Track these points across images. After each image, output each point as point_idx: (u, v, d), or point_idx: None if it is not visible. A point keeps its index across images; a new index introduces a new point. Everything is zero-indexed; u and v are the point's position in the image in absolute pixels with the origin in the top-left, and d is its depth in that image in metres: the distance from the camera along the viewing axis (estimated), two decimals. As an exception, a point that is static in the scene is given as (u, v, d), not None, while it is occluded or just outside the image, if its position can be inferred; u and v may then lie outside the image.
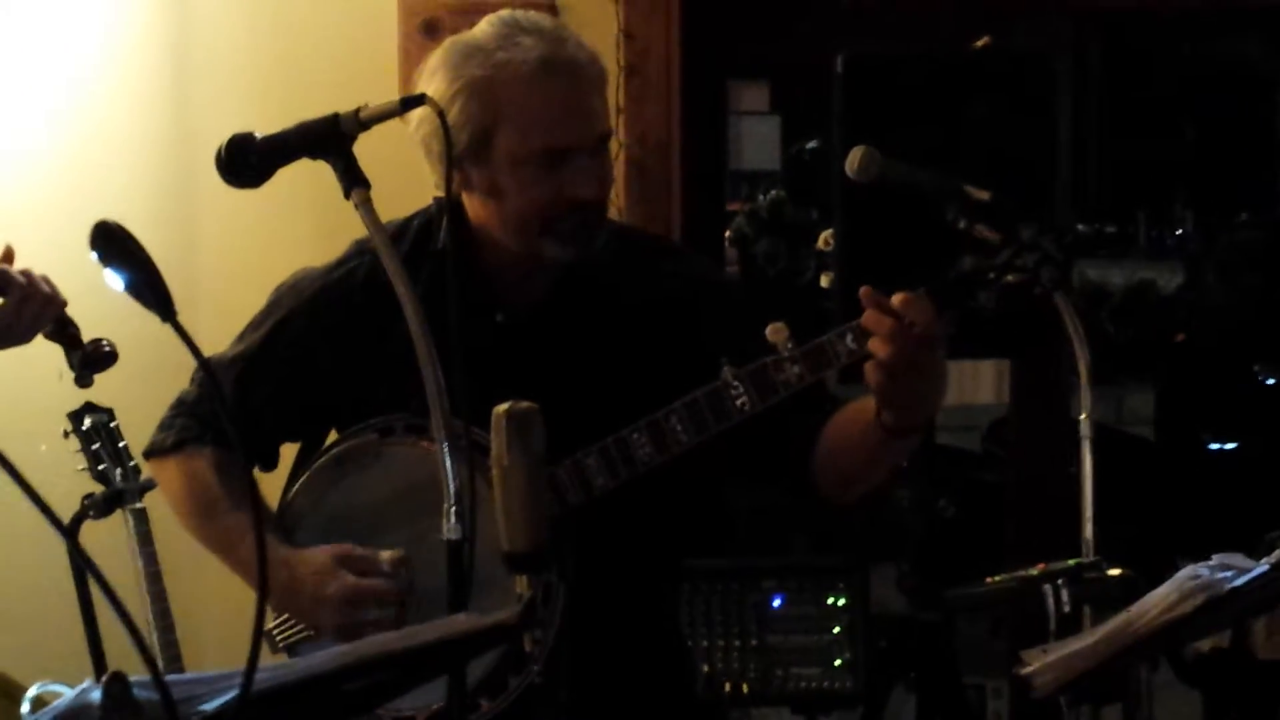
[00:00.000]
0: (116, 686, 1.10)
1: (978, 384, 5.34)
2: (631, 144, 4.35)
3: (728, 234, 4.94)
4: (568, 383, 2.67)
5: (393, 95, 2.64)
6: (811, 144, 4.74)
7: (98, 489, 3.68)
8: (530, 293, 2.78)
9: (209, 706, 1.11)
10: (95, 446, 3.72)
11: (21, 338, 2.92)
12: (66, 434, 3.63)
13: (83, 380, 3.05)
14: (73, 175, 4.13)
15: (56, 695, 1.18)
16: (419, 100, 2.34)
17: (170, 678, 1.13)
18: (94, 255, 1.33)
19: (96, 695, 1.09)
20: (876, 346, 2.44)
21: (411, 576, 2.61)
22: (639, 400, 2.64)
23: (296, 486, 2.80)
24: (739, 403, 2.59)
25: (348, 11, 4.27)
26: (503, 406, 2.20)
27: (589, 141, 2.69)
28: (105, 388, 3.71)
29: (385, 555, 2.64)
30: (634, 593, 2.82)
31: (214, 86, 4.23)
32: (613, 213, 4.27)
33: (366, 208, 2.26)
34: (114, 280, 1.33)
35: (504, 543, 2.21)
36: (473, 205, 2.74)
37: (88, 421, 3.73)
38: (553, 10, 4.30)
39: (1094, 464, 3.09)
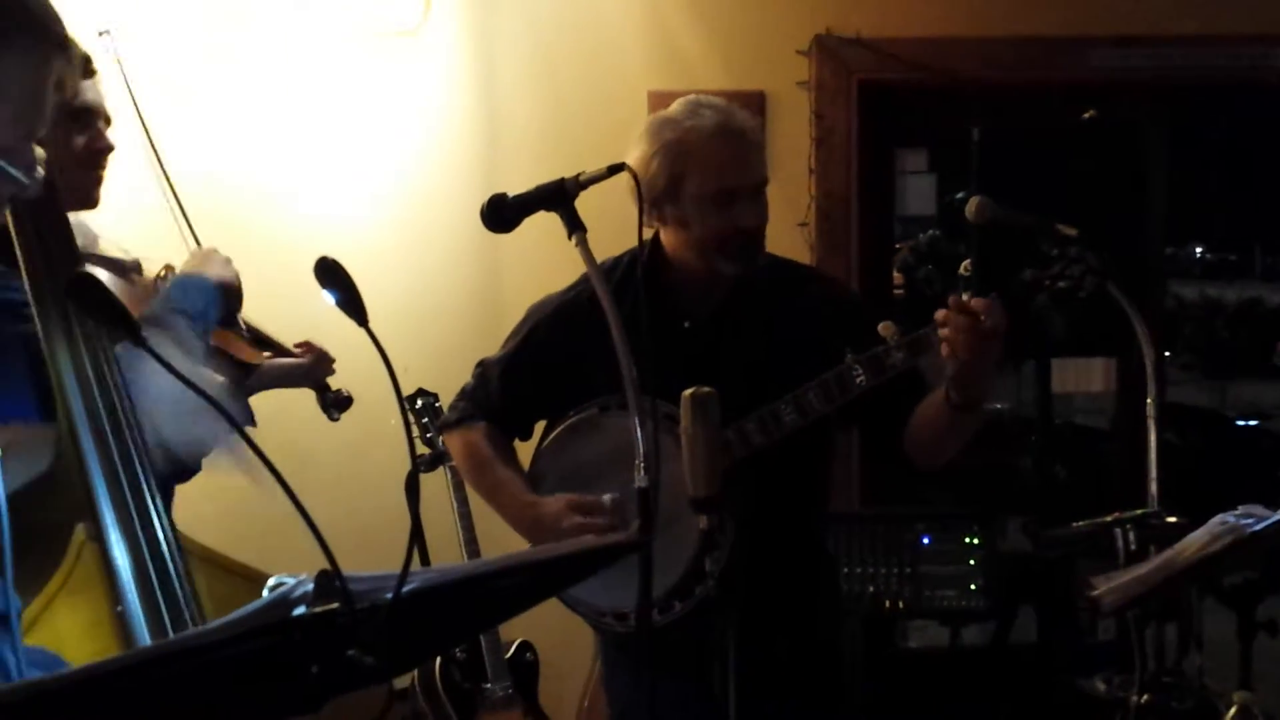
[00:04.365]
0: (325, 578, 1.14)
1: (1090, 377, 5.18)
2: (820, 197, 4.30)
3: (895, 265, 4.90)
4: (736, 370, 2.67)
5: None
6: (960, 195, 4.67)
7: (427, 451, 3.82)
8: (709, 305, 2.79)
9: (390, 596, 1.16)
10: (425, 420, 3.85)
11: (304, 385, 2.99)
12: (404, 411, 3.77)
13: (331, 417, 3.07)
14: (409, 229, 4.23)
15: (289, 585, 1.24)
16: (621, 167, 2.34)
17: (363, 573, 1.17)
18: (317, 281, 1.34)
19: (311, 585, 1.14)
20: (949, 335, 2.45)
21: (627, 513, 2.62)
22: (786, 381, 2.65)
23: (543, 447, 2.86)
24: (858, 380, 2.61)
25: (611, 102, 4.30)
26: (689, 391, 2.22)
27: (751, 185, 2.70)
28: (431, 377, 3.85)
29: (606, 498, 2.68)
30: (786, 523, 2.82)
31: (514, 158, 4.27)
32: (805, 249, 4.29)
33: (584, 246, 2.27)
34: (328, 298, 1.35)
35: (690, 490, 2.22)
36: (667, 236, 2.77)
37: (419, 403, 3.85)
38: (762, 100, 4.30)
39: (1158, 437, 3.01)
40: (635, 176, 2.39)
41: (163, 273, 2.62)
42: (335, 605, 1.11)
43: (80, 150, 2.39)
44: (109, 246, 2.56)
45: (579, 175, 2.33)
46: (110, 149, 2.45)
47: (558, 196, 2.31)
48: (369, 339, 1.40)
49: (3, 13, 1.44)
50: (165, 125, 2.89)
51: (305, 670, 1.12)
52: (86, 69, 2.36)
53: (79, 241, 2.35)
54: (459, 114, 4.31)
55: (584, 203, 2.35)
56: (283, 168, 4.00)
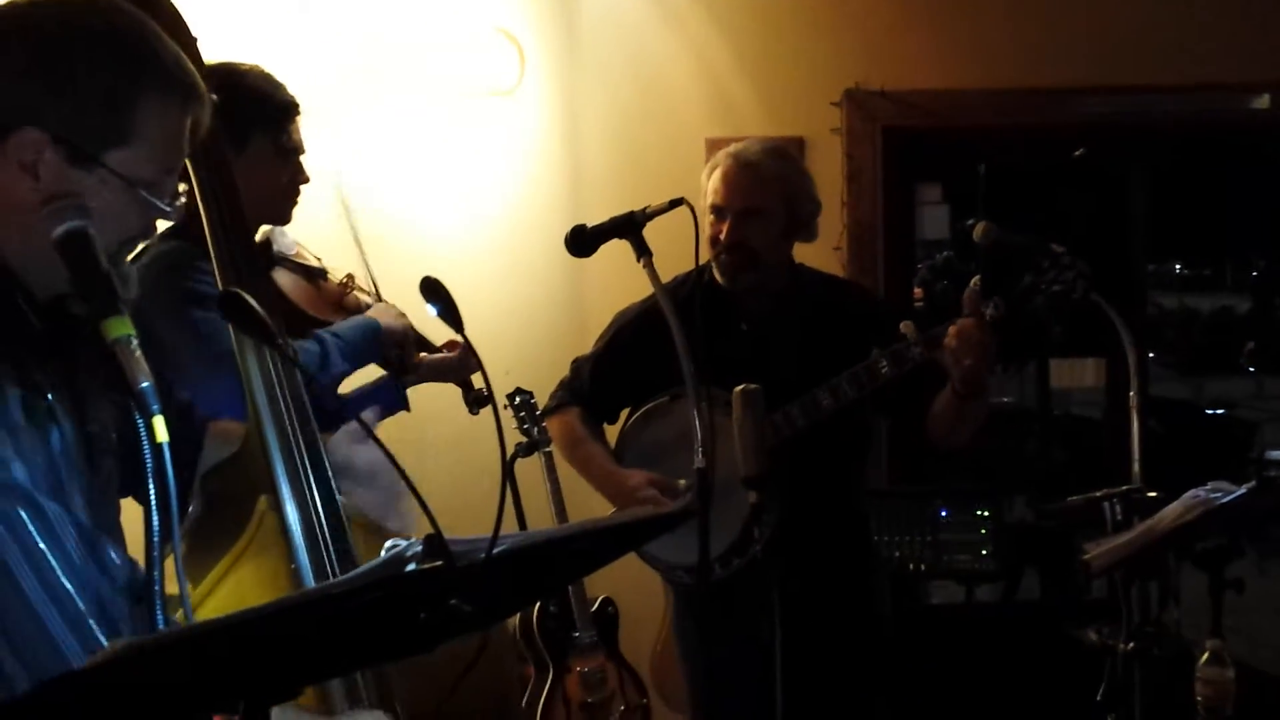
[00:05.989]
0: (433, 542, 1.14)
1: (1083, 374, 5.08)
2: (852, 225, 4.28)
3: (916, 281, 4.83)
4: (784, 365, 2.68)
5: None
6: (970, 221, 4.60)
7: (524, 440, 3.82)
8: (762, 310, 2.79)
9: (483, 555, 1.16)
10: (523, 414, 3.83)
11: (453, 380, 2.87)
12: (506, 406, 3.77)
13: (472, 411, 2.95)
14: (509, 255, 4.22)
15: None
16: (680, 201, 2.34)
17: (464, 538, 1.17)
18: (422, 296, 1.33)
19: (420, 547, 1.15)
20: (954, 347, 2.45)
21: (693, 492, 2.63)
22: (826, 373, 2.65)
23: (626, 429, 2.89)
24: (884, 371, 2.59)
25: (674, 147, 4.30)
26: (739, 387, 2.23)
27: (733, 208, 2.70)
28: (528, 378, 3.84)
29: (681, 483, 2.67)
30: (829, 496, 2.81)
31: (594, 195, 4.28)
32: (839, 270, 4.24)
33: (650, 268, 2.29)
34: (430, 310, 1.34)
35: (741, 470, 2.23)
36: None
37: (518, 399, 3.85)
38: (801, 144, 4.27)
39: (1141, 425, 2.95)
40: (693, 210, 2.39)
41: (345, 279, 2.66)
42: (440, 563, 1.11)
43: (285, 182, 2.45)
44: (304, 254, 2.62)
45: (646, 208, 2.34)
46: (307, 180, 2.50)
47: (628, 226, 2.33)
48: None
49: (138, 65, 1.41)
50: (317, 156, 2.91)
51: (416, 617, 1.13)
52: (294, 111, 2.42)
53: (283, 249, 2.49)
54: (548, 158, 4.32)
55: (651, 231, 2.35)
56: (409, 201, 4.03)
